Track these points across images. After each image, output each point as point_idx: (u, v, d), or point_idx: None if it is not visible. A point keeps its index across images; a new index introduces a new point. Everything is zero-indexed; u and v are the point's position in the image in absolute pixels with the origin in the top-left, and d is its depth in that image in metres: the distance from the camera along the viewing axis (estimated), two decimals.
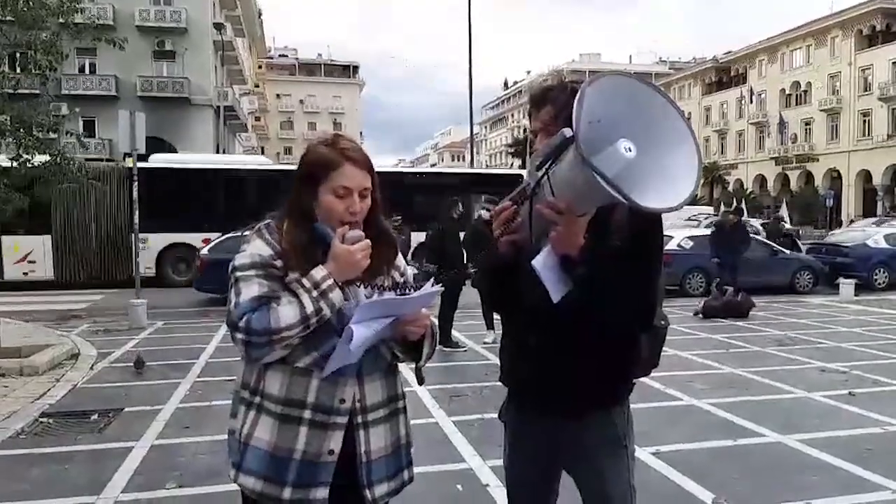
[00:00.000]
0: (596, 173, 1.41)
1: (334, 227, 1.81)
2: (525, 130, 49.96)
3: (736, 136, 60.22)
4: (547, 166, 1.60)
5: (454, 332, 8.61)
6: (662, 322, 2.02)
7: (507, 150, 76.75)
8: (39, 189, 8.62)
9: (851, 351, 8.45)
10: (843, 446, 4.76)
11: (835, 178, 49.92)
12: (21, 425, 5.28)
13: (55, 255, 15.93)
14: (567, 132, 1.50)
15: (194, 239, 15.83)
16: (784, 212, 31.95)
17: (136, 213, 11.71)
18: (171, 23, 35.11)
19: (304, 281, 1.74)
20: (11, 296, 13.82)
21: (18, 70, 8.92)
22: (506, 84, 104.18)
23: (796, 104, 54.05)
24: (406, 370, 2.04)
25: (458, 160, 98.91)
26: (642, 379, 2.08)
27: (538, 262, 1.72)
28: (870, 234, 17.74)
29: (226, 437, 1.90)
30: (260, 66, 70.44)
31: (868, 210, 44.64)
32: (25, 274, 15.80)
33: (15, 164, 8.18)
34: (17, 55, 9.01)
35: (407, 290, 1.89)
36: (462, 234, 8.79)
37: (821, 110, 51.16)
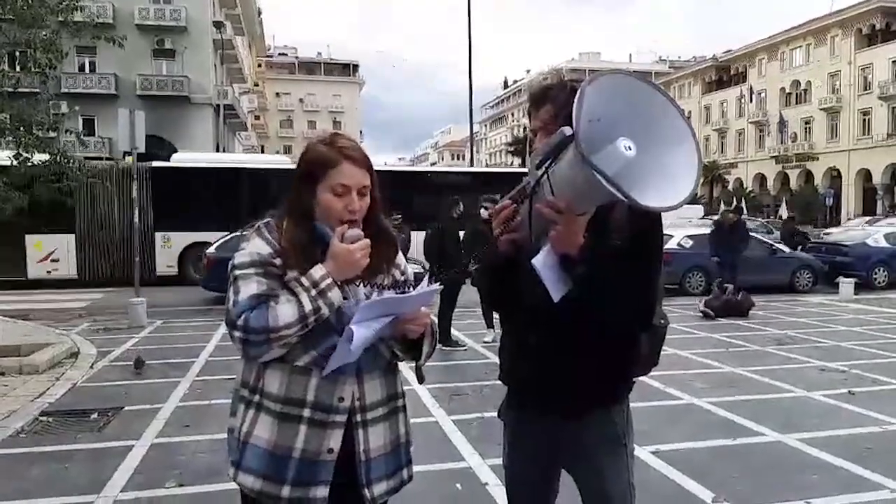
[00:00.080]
0: (596, 172, 1.41)
1: (334, 226, 1.81)
2: (525, 129, 49.97)
3: (736, 135, 60.22)
4: (547, 165, 1.60)
5: (454, 331, 8.62)
6: (662, 321, 2.02)
7: (506, 148, 76.75)
8: (39, 188, 8.62)
9: (851, 350, 8.45)
10: (842, 445, 4.77)
11: (835, 176, 49.93)
12: (21, 424, 5.28)
13: (78, 254, 16.00)
14: (567, 131, 1.50)
15: (217, 238, 15.89)
16: (784, 211, 31.97)
17: (137, 211, 11.74)
18: (170, 21, 35.10)
19: (303, 280, 1.74)
20: (11, 295, 13.82)
21: (18, 68, 8.93)
22: (505, 83, 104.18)
23: (796, 103, 54.04)
24: (406, 369, 2.04)
25: (458, 159, 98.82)
26: (642, 378, 2.08)
27: (538, 261, 1.72)
28: (869, 233, 17.74)
29: (225, 435, 1.90)
30: (259, 65, 70.44)
31: (868, 209, 44.62)
32: (49, 273, 15.89)
33: (15, 162, 8.18)
34: (17, 53, 9.02)
35: (406, 289, 1.89)
36: (462, 234, 8.79)
37: (821, 109, 51.15)
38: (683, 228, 15.65)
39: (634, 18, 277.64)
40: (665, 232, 1.99)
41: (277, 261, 1.78)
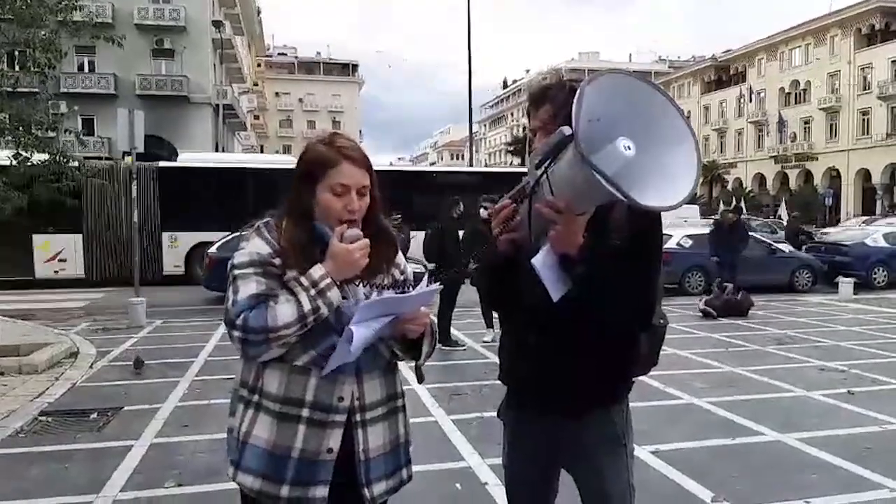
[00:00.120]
0: (595, 171, 1.41)
1: (333, 225, 1.81)
2: (524, 129, 49.95)
3: (735, 135, 60.23)
4: (546, 165, 1.60)
5: (453, 331, 8.62)
6: (661, 321, 2.02)
7: (506, 148, 76.71)
8: (38, 188, 8.62)
9: (850, 350, 8.46)
10: (842, 445, 4.77)
11: (834, 176, 49.93)
12: (20, 424, 5.27)
13: (85, 254, 16.04)
14: (566, 130, 1.50)
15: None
16: (783, 211, 31.97)
17: (137, 211, 11.74)
18: (169, 21, 35.09)
19: (302, 279, 1.74)
20: (11, 295, 13.81)
21: (17, 68, 8.93)
22: (505, 83, 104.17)
23: (795, 103, 54.05)
24: (405, 369, 2.04)
25: (457, 159, 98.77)
26: (641, 378, 2.08)
27: (537, 260, 1.72)
28: (868, 233, 17.75)
29: (225, 435, 1.90)
30: (259, 65, 70.38)
31: (867, 209, 44.64)
32: (56, 272, 15.93)
33: (14, 162, 8.18)
34: (16, 53, 9.02)
35: (406, 289, 1.89)
36: (461, 234, 8.78)
37: (820, 109, 51.16)
38: (681, 228, 15.65)
39: (634, 18, 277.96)
40: (664, 232, 1.99)
41: (277, 260, 1.78)
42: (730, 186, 55.47)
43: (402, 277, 1.95)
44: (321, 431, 1.79)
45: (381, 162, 20.08)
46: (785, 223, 25.69)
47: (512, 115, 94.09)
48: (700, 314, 11.12)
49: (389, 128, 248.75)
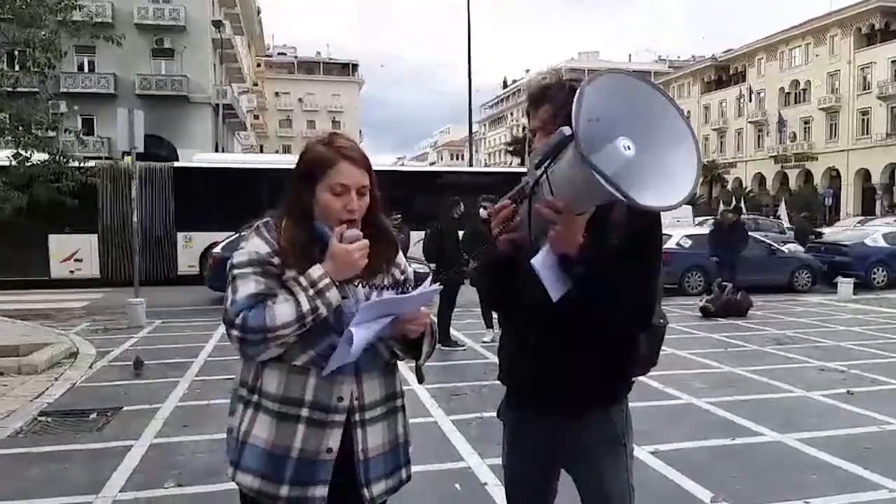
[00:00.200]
0: (595, 171, 1.41)
1: (333, 225, 1.81)
2: (524, 129, 49.95)
3: (735, 135, 60.24)
4: (546, 165, 1.60)
5: (453, 331, 8.62)
6: (661, 321, 2.02)
7: (505, 148, 76.71)
8: (38, 188, 8.61)
9: (850, 350, 8.46)
10: (841, 445, 4.77)
11: (834, 176, 49.95)
12: (20, 424, 5.27)
13: (101, 254, 16.09)
14: (566, 130, 1.50)
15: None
16: (782, 210, 31.99)
17: (136, 210, 11.73)
18: (169, 20, 35.09)
19: (301, 279, 1.74)
20: (11, 294, 13.81)
21: (17, 68, 8.93)
22: (504, 83, 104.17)
23: (795, 103, 54.06)
24: (405, 369, 2.04)
25: (457, 159, 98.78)
26: (641, 378, 2.07)
27: (537, 260, 1.72)
28: (868, 233, 17.76)
29: (224, 435, 1.90)
30: (259, 65, 70.37)
31: (867, 209, 44.66)
32: (72, 272, 16.00)
33: (14, 162, 8.18)
34: (16, 53, 9.02)
35: (406, 289, 1.89)
36: (461, 234, 8.79)
37: (820, 109, 51.17)
38: (671, 228, 15.64)
39: (634, 18, 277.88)
40: (664, 232, 1.99)
41: (276, 260, 1.78)
42: (729, 186, 55.49)
43: (402, 277, 1.95)
44: (320, 431, 1.78)
45: (383, 162, 20.06)
46: (785, 223, 25.77)
47: (512, 114, 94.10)
48: (700, 314, 11.12)
49: (389, 128, 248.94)
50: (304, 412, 1.78)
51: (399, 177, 17.81)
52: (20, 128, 8.12)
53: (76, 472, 4.31)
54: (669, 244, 14.00)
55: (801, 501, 3.83)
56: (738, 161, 58.91)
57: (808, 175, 51.89)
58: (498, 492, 3.80)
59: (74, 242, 15.91)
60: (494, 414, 2.20)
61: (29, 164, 8.29)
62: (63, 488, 4.04)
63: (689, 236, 14.90)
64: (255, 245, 1.80)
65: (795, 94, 54.22)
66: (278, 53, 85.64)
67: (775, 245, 16.07)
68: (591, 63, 70.53)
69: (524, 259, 1.76)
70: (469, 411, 5.59)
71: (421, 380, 1.96)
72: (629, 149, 1.49)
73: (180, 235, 16.49)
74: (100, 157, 22.70)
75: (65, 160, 8.45)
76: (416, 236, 12.36)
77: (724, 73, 62.86)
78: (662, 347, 2.07)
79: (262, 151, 58.50)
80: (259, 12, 57.44)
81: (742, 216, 16.11)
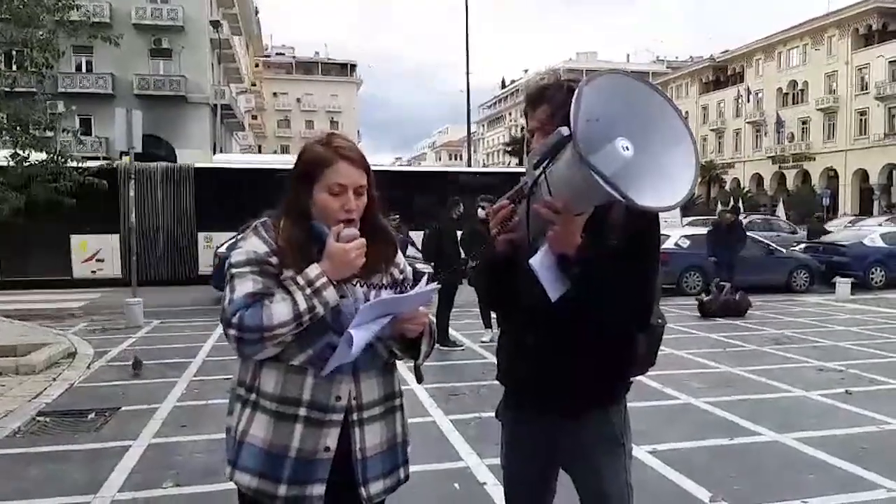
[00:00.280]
0: (594, 172, 1.41)
1: (331, 225, 1.81)
2: (522, 129, 49.94)
3: (733, 135, 60.28)
4: (544, 165, 1.60)
5: (452, 331, 8.62)
6: (659, 321, 2.02)
7: (504, 148, 76.75)
8: (36, 188, 8.60)
9: (848, 350, 8.47)
10: (839, 445, 4.77)
11: (831, 177, 49.98)
12: (18, 424, 5.27)
13: (122, 254, 16.11)
14: (564, 131, 1.50)
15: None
16: (781, 211, 32.00)
17: (134, 211, 11.73)
18: (167, 20, 35.03)
19: (298, 279, 1.74)
20: (10, 294, 13.79)
21: (15, 68, 8.92)
22: (503, 83, 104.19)
23: (793, 103, 54.10)
24: (403, 368, 2.04)
25: (456, 159, 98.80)
26: (639, 378, 2.08)
27: (535, 261, 1.72)
28: (866, 233, 17.78)
29: (222, 435, 1.90)
30: (257, 65, 70.36)
31: (865, 209, 44.70)
32: (93, 272, 16.06)
33: (12, 162, 8.17)
34: (14, 53, 9.01)
35: (404, 288, 1.89)
36: (459, 234, 8.79)
37: (817, 109, 51.22)
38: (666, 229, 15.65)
39: (634, 18, 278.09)
40: (662, 232, 1.99)
41: (274, 259, 1.78)
42: (727, 186, 55.50)
43: (401, 277, 1.95)
44: (318, 430, 1.78)
45: (381, 162, 20.13)
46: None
47: (510, 115, 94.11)
48: (698, 313, 11.13)
49: (388, 128, 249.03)
50: (302, 411, 1.78)
51: (397, 177, 17.84)
52: (18, 128, 8.12)
53: (74, 473, 4.30)
54: (667, 244, 14.01)
55: (799, 501, 3.84)
56: (735, 161, 58.95)
57: (805, 175, 51.93)
58: (496, 491, 3.80)
59: (96, 242, 16.00)
60: (493, 414, 2.20)
61: (27, 164, 8.28)
62: (61, 488, 4.03)
63: (687, 236, 14.92)
64: (253, 244, 1.80)
65: (793, 94, 54.26)
66: (276, 54, 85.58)
67: (773, 244, 16.09)
68: (590, 63, 70.59)
69: (523, 259, 1.76)
70: (467, 411, 5.59)
71: (420, 379, 1.96)
72: (627, 149, 1.49)
73: (201, 236, 16.55)
74: (97, 158, 22.71)
75: (63, 160, 8.44)
76: (415, 236, 12.40)
77: (722, 74, 62.91)
78: (661, 347, 2.07)
79: (260, 151, 58.45)
80: (257, 12, 57.41)
81: (754, 216, 16.16)
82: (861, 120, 48.07)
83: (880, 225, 21.64)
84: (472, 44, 27.17)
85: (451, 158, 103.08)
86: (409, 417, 2.06)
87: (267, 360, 1.78)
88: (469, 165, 30.16)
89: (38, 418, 5.46)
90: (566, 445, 1.98)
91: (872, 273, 16.10)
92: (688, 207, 34.67)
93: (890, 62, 45.57)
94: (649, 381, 6.17)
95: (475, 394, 6.20)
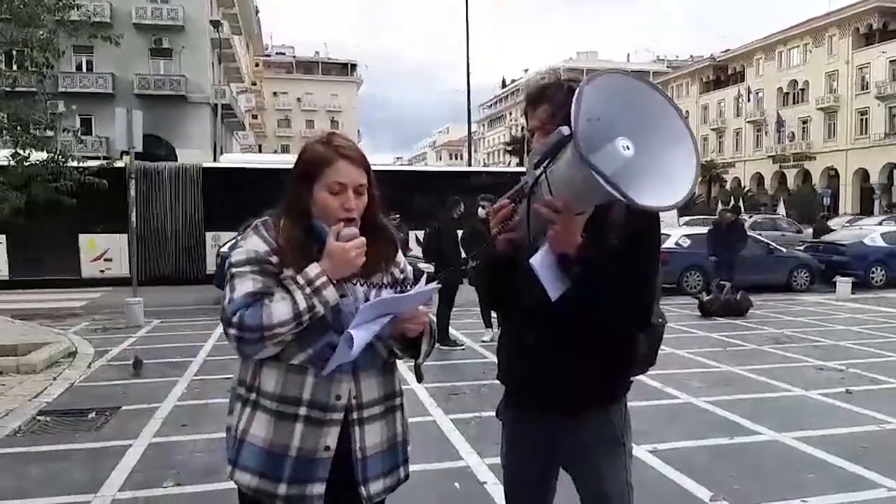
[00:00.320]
0: (594, 171, 1.41)
1: (331, 224, 1.81)
2: (522, 129, 49.90)
3: (733, 135, 60.28)
4: (544, 165, 1.60)
5: (452, 330, 8.62)
6: (660, 320, 2.02)
7: (504, 148, 76.74)
8: (36, 188, 8.60)
9: (848, 349, 8.46)
10: (839, 444, 4.77)
11: (832, 176, 49.99)
12: (18, 423, 5.27)
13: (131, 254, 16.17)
14: (564, 130, 1.50)
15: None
16: (781, 210, 32.01)
17: (135, 211, 11.73)
18: (167, 20, 35.03)
19: (298, 278, 1.74)
20: (10, 294, 13.80)
21: (15, 67, 8.92)
22: (503, 83, 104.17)
23: (794, 103, 54.10)
24: (404, 368, 2.04)
25: (456, 159, 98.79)
26: (640, 377, 2.08)
27: (536, 260, 1.72)
28: (866, 233, 17.78)
29: (223, 435, 1.90)
30: (257, 65, 70.29)
31: (865, 208, 44.70)
32: (102, 272, 16.07)
33: (12, 162, 8.17)
34: (14, 53, 9.01)
35: (405, 288, 1.89)
36: (460, 234, 8.79)
37: (818, 109, 51.21)
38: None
39: (634, 18, 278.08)
40: (662, 231, 1.99)
41: (274, 259, 1.78)
42: (728, 186, 55.50)
43: (401, 276, 1.95)
44: (318, 430, 1.79)
45: (382, 161, 20.12)
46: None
47: (510, 114, 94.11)
48: (699, 312, 11.13)
49: (388, 127, 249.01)
50: (302, 411, 1.78)
51: (396, 177, 17.82)
52: (18, 127, 8.12)
53: (75, 472, 4.31)
54: (668, 244, 14.01)
55: (799, 500, 3.84)
56: (736, 161, 58.94)
57: (806, 175, 51.93)
58: (497, 491, 3.80)
59: (105, 242, 16.00)
60: (493, 413, 2.20)
61: (27, 163, 8.28)
62: (62, 487, 4.03)
63: (687, 236, 14.91)
64: (253, 244, 1.81)
65: (794, 94, 54.25)
66: (277, 53, 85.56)
67: (773, 244, 16.08)
68: (590, 63, 70.52)
69: (523, 258, 1.76)
70: (468, 410, 5.59)
71: (420, 379, 1.96)
72: (628, 149, 1.49)
73: (209, 235, 16.54)
74: (97, 157, 22.72)
75: (63, 160, 8.44)
76: (414, 236, 12.41)
77: (722, 73, 62.90)
78: (661, 347, 2.07)
79: (260, 151, 58.40)
80: (257, 12, 57.37)
81: (758, 215, 16.15)
82: (861, 119, 48.05)
83: (880, 224, 21.66)
84: (473, 43, 27.24)
85: (451, 158, 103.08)
86: (410, 417, 2.06)
87: (267, 360, 1.79)
88: (469, 165, 30.17)
89: (38, 417, 5.46)
90: (566, 445, 1.98)
91: (873, 272, 16.09)
92: (688, 207, 34.72)
93: (890, 61, 45.54)
94: (650, 381, 6.17)
95: (475, 393, 6.20)
